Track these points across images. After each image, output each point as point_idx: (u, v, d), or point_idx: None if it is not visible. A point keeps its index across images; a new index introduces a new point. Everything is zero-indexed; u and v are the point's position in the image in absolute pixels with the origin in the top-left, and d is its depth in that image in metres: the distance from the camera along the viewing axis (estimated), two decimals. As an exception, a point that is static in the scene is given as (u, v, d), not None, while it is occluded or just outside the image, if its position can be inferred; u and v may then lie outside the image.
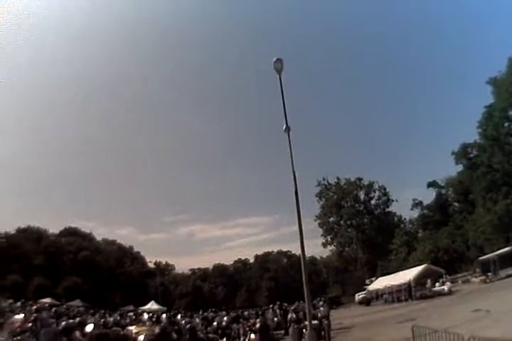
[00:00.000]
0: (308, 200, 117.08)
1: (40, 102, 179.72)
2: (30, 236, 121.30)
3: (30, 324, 24.34)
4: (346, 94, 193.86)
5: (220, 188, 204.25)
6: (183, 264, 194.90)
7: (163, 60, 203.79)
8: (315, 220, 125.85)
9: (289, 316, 40.70)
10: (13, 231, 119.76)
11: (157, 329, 15.26)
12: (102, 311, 54.05)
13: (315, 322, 29.19)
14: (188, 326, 25.50)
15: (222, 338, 24.00)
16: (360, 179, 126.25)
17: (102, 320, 29.99)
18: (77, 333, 17.05)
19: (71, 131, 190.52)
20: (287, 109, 26.79)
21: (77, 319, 23.54)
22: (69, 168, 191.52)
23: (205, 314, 49.22)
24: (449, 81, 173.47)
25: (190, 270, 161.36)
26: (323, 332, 29.41)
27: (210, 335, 26.24)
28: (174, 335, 20.32)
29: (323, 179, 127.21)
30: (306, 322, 28.03)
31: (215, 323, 34.53)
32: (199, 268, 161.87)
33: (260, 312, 49.24)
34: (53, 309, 42.58)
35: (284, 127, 26.67)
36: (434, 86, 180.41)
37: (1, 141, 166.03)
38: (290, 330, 30.22)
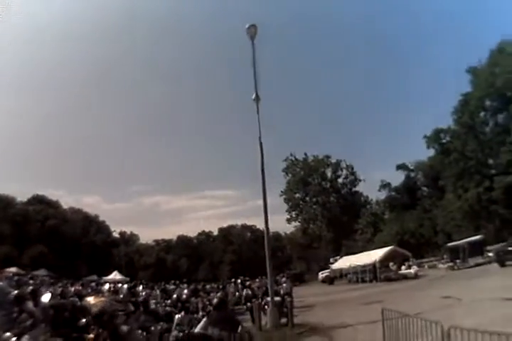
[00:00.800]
0: (274, 175, 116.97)
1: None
2: None
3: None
4: (321, 69, 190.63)
5: (186, 159, 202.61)
6: (147, 235, 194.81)
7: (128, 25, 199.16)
8: (280, 196, 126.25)
9: (244, 292, 39.90)
10: None
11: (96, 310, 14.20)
12: (65, 281, 53.04)
13: (277, 298, 28.32)
14: (140, 298, 24.44)
15: (180, 312, 22.82)
16: (328, 156, 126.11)
17: (60, 290, 28.81)
18: (30, 303, 15.77)
19: (41, 100, 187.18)
20: (258, 80, 26.08)
21: (30, 287, 22.17)
22: (37, 136, 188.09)
23: (165, 286, 48.09)
24: (427, 63, 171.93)
25: (154, 241, 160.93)
26: (285, 309, 28.20)
27: (168, 309, 25.13)
28: (131, 307, 19.42)
29: (291, 154, 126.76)
30: (268, 298, 27.10)
31: (174, 296, 33.43)
32: (163, 239, 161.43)
33: (221, 286, 48.36)
34: (16, 278, 41.51)
35: (254, 96, 25.84)
36: (410, 67, 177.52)
37: None
38: (252, 306, 29.10)
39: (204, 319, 12.96)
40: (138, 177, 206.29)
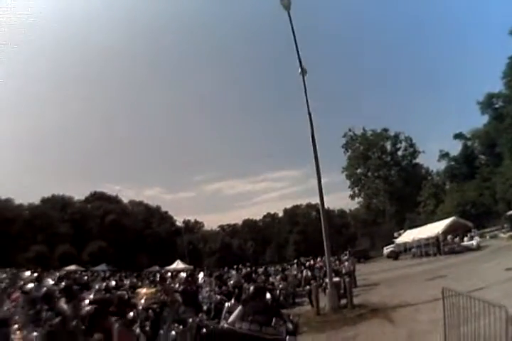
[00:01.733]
0: (334, 152, 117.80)
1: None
2: (55, 205, 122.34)
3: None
4: (365, 36, 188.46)
5: (243, 144, 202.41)
6: (212, 222, 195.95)
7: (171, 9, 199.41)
8: (342, 172, 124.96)
9: (304, 273, 38.64)
10: (37, 202, 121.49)
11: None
12: (121, 274, 52.72)
13: (337, 279, 27.20)
14: (180, 288, 23.19)
15: (231, 299, 21.17)
16: (386, 130, 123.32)
17: (104, 284, 27.76)
18: (61, 300, 14.61)
19: (89, 93, 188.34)
20: (304, 51, 25.17)
21: (62, 283, 21.08)
22: (90, 133, 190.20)
23: (229, 271, 46.73)
24: (473, 30, 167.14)
25: (219, 227, 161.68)
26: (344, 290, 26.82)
27: (218, 297, 23.80)
28: (179, 297, 18.23)
29: (349, 130, 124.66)
30: (327, 280, 26.20)
31: (231, 282, 32.02)
32: (228, 225, 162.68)
33: (281, 269, 47.08)
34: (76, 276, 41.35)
35: (300, 70, 24.85)
36: (458, 34, 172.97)
37: (16, 113, 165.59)
38: (311, 289, 27.70)
39: (237, 310, 11.70)
40: (198, 165, 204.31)
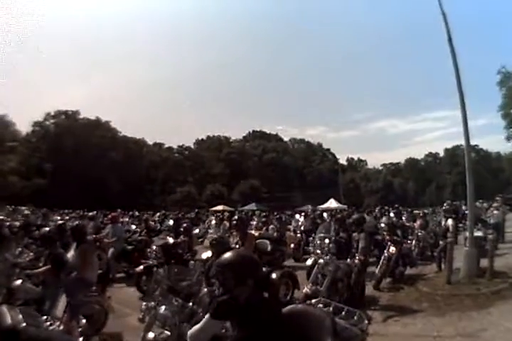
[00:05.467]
0: (491, 92, 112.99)
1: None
2: (210, 145, 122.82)
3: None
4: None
5: (405, 81, 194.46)
6: (375, 160, 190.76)
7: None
8: (498, 111, 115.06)
9: (443, 222, 31.74)
10: (188, 144, 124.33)
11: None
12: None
13: (479, 234, 20.25)
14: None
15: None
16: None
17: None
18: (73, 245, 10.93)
19: (251, 34, 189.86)
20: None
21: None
22: (251, 71, 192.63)
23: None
24: None
25: (382, 165, 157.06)
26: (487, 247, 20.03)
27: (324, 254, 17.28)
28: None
29: (502, 67, 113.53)
30: (467, 234, 18.94)
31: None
32: (391, 163, 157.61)
33: (422, 214, 40.58)
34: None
35: None
36: None
37: (181, 53, 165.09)
38: (443, 244, 20.74)
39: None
40: (359, 104, 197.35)
